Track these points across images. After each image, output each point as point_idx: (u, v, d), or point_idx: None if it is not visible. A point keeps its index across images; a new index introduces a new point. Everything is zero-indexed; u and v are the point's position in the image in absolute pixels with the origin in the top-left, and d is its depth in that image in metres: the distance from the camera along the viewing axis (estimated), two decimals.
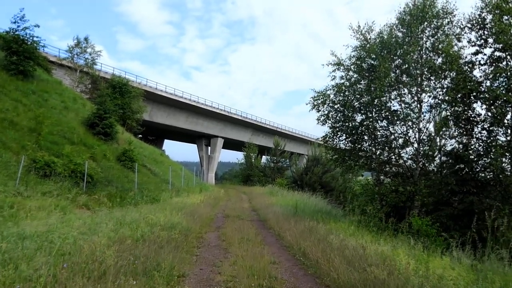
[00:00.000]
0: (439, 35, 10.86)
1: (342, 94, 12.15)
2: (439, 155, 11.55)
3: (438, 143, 11.41)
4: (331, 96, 12.45)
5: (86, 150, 19.27)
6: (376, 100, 11.28)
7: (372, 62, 11.45)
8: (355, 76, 12.08)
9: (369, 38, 11.90)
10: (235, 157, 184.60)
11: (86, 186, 16.28)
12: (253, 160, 44.94)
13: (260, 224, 12.54)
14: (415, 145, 11.38)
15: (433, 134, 11.27)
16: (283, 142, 42.65)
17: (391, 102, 11.59)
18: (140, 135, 46.25)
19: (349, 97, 12.03)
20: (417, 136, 11.39)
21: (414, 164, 11.50)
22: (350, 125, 12.28)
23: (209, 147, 56.52)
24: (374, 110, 11.83)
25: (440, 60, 10.73)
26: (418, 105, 11.32)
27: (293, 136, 67.23)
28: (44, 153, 16.14)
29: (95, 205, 15.08)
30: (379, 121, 12.02)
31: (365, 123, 12.17)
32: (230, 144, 61.49)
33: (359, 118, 12.36)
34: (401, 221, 9.86)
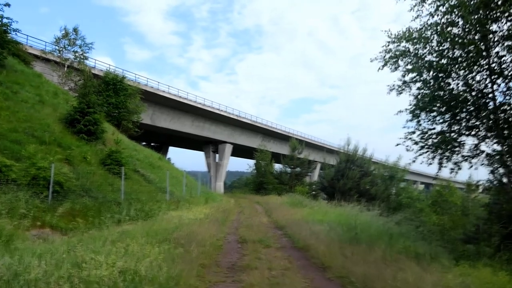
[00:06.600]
0: None
1: (435, 39, 7.49)
2: None
3: None
4: (415, 44, 7.82)
5: (61, 152, 15.09)
6: (502, 42, 6.66)
7: None
8: (456, 10, 7.37)
9: None
10: (244, 164, 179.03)
11: (53, 197, 12.06)
12: (263, 168, 40.10)
13: (301, 259, 7.71)
14: None
15: None
16: (300, 146, 37.98)
17: None
18: (144, 142, 42.41)
19: (446, 45, 7.42)
20: None
21: None
22: (448, 92, 7.61)
23: (217, 154, 52.54)
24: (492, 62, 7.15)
25: None
26: None
27: (307, 142, 62.52)
28: None
29: (63, 223, 11.03)
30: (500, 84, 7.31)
31: (473, 87, 7.50)
32: (239, 151, 57.39)
33: (461, 81, 7.69)
34: None
